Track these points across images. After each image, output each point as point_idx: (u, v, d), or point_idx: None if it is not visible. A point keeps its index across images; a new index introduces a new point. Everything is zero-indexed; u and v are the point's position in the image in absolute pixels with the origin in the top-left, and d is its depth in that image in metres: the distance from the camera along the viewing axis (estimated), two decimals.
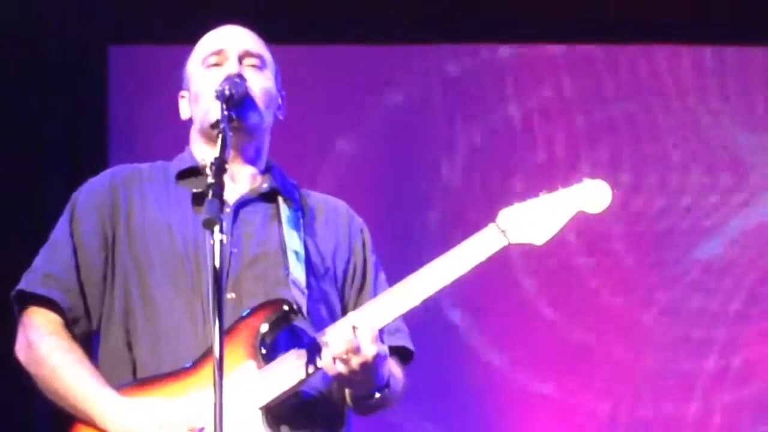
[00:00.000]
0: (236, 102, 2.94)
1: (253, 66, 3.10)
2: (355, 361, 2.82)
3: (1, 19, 5.68)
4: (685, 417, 5.95)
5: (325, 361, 2.85)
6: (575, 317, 5.94)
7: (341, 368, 2.84)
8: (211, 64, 3.10)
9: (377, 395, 2.94)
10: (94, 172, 3.20)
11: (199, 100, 3.08)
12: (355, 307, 3.05)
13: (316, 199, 3.23)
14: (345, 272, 3.16)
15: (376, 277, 3.20)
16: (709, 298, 5.98)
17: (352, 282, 3.16)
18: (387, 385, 2.96)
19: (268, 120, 3.14)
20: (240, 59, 3.09)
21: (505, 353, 5.95)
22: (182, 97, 3.20)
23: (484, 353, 5.93)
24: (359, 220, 3.24)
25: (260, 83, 3.09)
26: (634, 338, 5.90)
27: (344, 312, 3.06)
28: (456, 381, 5.93)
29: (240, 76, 3.03)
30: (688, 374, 5.96)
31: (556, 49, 6.29)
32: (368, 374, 2.87)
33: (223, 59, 3.09)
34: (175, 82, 3.31)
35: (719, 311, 5.94)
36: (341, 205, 3.25)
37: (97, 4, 5.92)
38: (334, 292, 3.12)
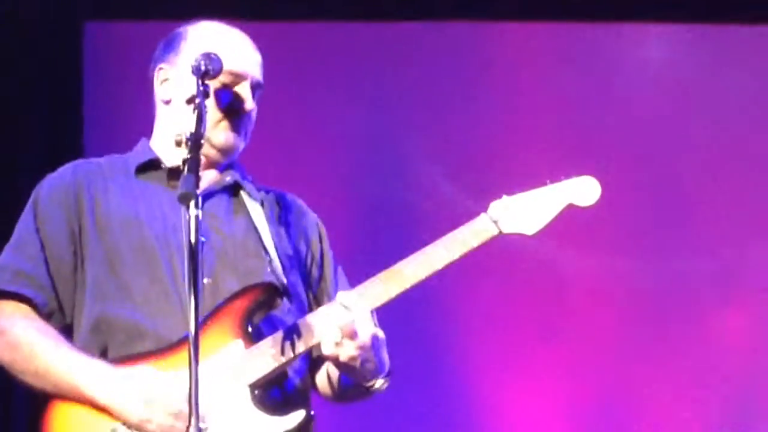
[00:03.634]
0: (235, 125, 3.04)
1: (255, 95, 3.15)
2: (353, 346, 2.89)
3: None
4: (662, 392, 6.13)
5: (324, 348, 2.89)
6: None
7: (342, 355, 2.89)
8: (224, 82, 3.07)
9: (380, 382, 3.02)
10: (71, 153, 3.21)
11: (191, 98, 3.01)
12: (321, 296, 3.17)
13: (273, 193, 3.32)
14: (304, 262, 3.24)
15: (335, 268, 3.30)
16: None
17: (311, 271, 3.24)
18: (390, 372, 3.06)
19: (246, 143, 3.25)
20: (253, 88, 3.12)
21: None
22: (161, 70, 3.18)
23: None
24: (314, 215, 3.36)
25: (255, 114, 3.18)
26: None
27: (310, 302, 3.16)
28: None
29: (249, 117, 3.11)
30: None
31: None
32: (367, 358, 2.94)
33: (239, 81, 3.08)
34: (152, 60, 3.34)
35: None
36: (297, 199, 3.36)
37: None
38: (301, 280, 3.19)
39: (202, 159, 2.89)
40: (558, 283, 6.17)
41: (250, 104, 3.13)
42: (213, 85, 2.97)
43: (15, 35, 5.76)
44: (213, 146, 3.09)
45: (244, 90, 3.12)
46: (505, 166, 5.72)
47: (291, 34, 6.19)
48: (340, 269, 3.32)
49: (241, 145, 3.17)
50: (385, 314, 3.15)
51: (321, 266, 3.29)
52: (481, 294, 6.10)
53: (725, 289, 6.25)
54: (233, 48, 3.16)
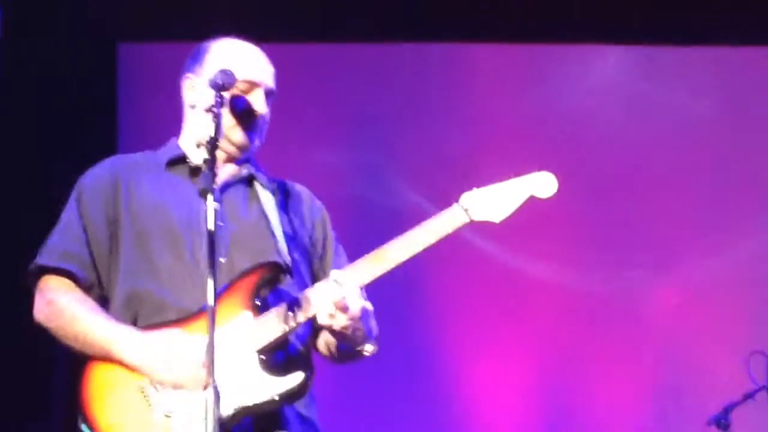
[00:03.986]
0: (250, 126, 3.36)
1: (269, 102, 3.42)
2: (345, 316, 3.11)
3: (15, 20, 5.94)
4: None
5: (320, 315, 3.13)
6: None
7: (337, 324, 3.12)
8: (241, 89, 3.34)
9: (369, 348, 3.30)
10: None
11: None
12: (321, 273, 3.38)
13: (285, 184, 3.52)
14: (310, 243, 3.46)
15: (336, 248, 3.50)
16: None
17: (314, 251, 3.47)
18: (377, 337, 3.28)
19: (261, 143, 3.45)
20: (267, 95, 3.40)
21: None
22: (187, 79, 3.44)
23: None
24: (318, 202, 3.56)
25: (268, 118, 3.43)
26: None
27: (312, 278, 3.37)
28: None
29: (264, 120, 3.40)
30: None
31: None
32: (357, 327, 3.17)
33: (253, 88, 3.37)
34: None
35: None
36: (304, 189, 3.57)
37: (108, 4, 6.14)
38: (304, 260, 3.41)
39: (223, 155, 3.23)
40: (521, 280, 6.63)
41: (262, 109, 3.34)
42: (232, 92, 3.20)
43: (56, 56, 6.07)
44: (231, 144, 3.31)
45: (257, 96, 3.34)
46: (467, 175, 6.08)
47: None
48: (341, 248, 3.50)
49: (256, 143, 3.38)
50: (373, 296, 3.32)
51: (323, 247, 3.48)
52: (457, 283, 6.59)
53: (659, 283, 6.68)
54: (248, 60, 3.38)
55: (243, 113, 3.32)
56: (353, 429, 6.20)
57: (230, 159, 3.40)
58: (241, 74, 3.28)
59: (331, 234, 3.52)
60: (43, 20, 6.08)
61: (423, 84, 6.79)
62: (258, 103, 3.35)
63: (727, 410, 5.45)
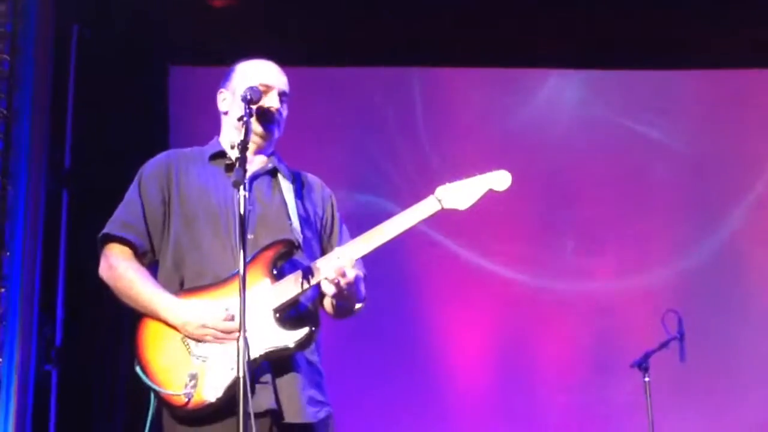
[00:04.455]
0: (268, 120, 3.34)
1: (284, 101, 3.43)
2: (344, 282, 3.12)
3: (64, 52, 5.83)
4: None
5: (318, 281, 3.14)
6: None
7: (333, 288, 3.14)
8: (258, 90, 3.28)
9: (358, 305, 3.31)
10: None
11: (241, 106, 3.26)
12: (329, 247, 3.37)
13: (301, 175, 3.52)
14: (321, 223, 3.45)
15: (341, 228, 3.49)
16: None
17: (324, 230, 3.46)
18: (365, 298, 3.29)
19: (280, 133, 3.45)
20: (280, 95, 3.41)
21: None
22: (221, 93, 3.46)
23: None
24: (328, 189, 3.54)
25: (284, 113, 3.43)
26: None
27: (321, 251, 3.36)
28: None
29: (279, 111, 3.39)
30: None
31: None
32: (352, 291, 3.18)
33: (268, 90, 3.37)
34: None
35: None
36: (317, 179, 3.56)
37: (159, 29, 6.06)
38: (315, 237, 3.41)
39: (252, 146, 3.23)
40: (482, 272, 6.64)
41: (275, 104, 3.36)
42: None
43: (110, 78, 5.95)
44: (256, 135, 3.33)
45: (272, 96, 3.37)
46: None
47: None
48: (344, 227, 3.49)
49: (275, 134, 3.39)
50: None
51: (331, 226, 3.47)
52: (433, 275, 6.61)
53: (594, 264, 6.68)
54: (264, 70, 3.42)
55: (261, 111, 3.34)
56: (352, 375, 6.19)
57: (257, 149, 3.40)
58: (259, 80, 3.35)
59: (337, 216, 3.51)
60: (109, 44, 6.02)
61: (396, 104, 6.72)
62: (272, 100, 3.38)
63: (647, 356, 5.47)
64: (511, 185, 3.28)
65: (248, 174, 3.22)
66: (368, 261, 3.39)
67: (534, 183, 6.48)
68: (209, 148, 3.46)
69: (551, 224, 6.67)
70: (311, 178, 3.55)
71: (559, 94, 6.85)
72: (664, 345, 5.49)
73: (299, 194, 3.42)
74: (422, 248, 6.45)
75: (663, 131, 6.78)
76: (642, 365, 5.43)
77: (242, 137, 3.06)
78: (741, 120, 6.80)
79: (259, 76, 3.40)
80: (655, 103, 6.82)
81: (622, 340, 6.39)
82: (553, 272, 6.62)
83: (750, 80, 6.81)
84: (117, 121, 5.95)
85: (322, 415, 3.22)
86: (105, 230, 3.33)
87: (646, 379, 5.38)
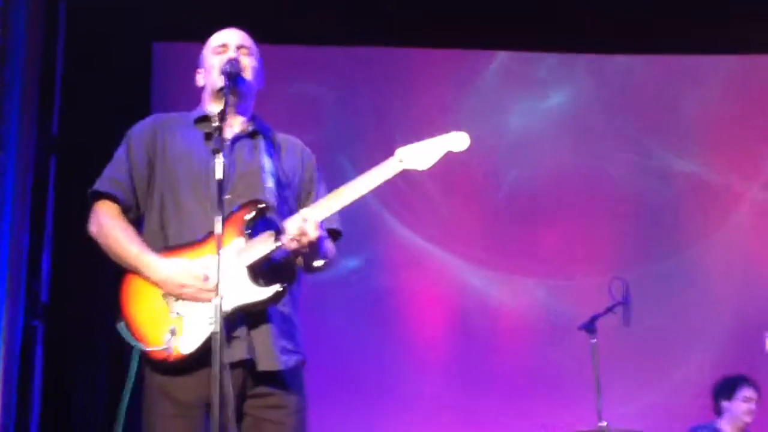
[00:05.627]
0: (234, 75, 3.26)
1: (245, 54, 3.41)
2: (304, 240, 3.13)
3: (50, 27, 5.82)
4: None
5: (286, 240, 3.15)
6: None
7: (296, 245, 3.15)
8: (218, 51, 3.41)
9: (319, 262, 3.28)
10: None
11: (210, 73, 3.41)
12: (305, 206, 3.31)
13: (282, 137, 3.50)
14: (300, 183, 3.42)
15: (319, 187, 3.45)
16: None
17: (303, 189, 3.43)
18: (326, 256, 3.29)
19: (254, 88, 3.44)
20: (237, 49, 3.41)
21: None
22: (199, 72, 3.49)
23: None
24: (309, 150, 3.50)
25: (249, 64, 3.40)
26: None
27: (298, 209, 3.29)
28: None
29: (236, 59, 3.35)
30: None
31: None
32: (313, 249, 3.18)
33: (226, 49, 3.40)
34: None
35: None
36: (298, 141, 3.53)
37: (143, 7, 6.03)
38: (293, 197, 3.39)
39: (229, 108, 3.21)
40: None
41: (232, 55, 3.36)
42: (213, 55, 3.36)
43: (91, 54, 5.99)
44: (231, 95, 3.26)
45: (230, 52, 3.39)
46: None
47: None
48: (323, 187, 3.43)
49: (244, 86, 3.34)
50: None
51: (310, 187, 3.45)
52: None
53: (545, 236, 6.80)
54: (219, 34, 3.44)
55: (228, 75, 3.31)
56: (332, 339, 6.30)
57: (235, 106, 3.38)
58: (217, 44, 3.40)
59: (316, 176, 3.48)
60: (95, 22, 6.03)
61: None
62: (229, 55, 3.39)
63: (593, 319, 5.56)
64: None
65: (230, 136, 3.29)
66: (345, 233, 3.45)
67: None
68: (194, 113, 3.46)
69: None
70: (293, 140, 3.51)
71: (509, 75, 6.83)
72: (609, 309, 5.58)
73: (279, 156, 3.41)
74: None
75: (622, 117, 6.85)
76: (589, 328, 5.53)
77: (221, 107, 3.12)
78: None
79: (217, 41, 3.43)
80: (621, 88, 6.87)
81: (571, 305, 6.50)
82: (502, 248, 6.72)
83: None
84: (103, 93, 6.00)
85: (292, 363, 3.24)
86: (94, 187, 3.35)
87: (593, 341, 5.48)
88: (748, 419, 5.84)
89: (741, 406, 5.84)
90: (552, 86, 6.86)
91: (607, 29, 6.43)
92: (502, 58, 6.88)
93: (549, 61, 6.91)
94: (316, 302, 5.29)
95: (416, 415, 6.39)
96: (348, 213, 3.27)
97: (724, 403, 5.87)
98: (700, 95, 6.86)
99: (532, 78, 6.88)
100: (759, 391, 5.90)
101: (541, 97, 6.86)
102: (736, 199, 6.85)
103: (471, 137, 3.21)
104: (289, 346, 3.25)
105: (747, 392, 5.86)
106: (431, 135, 3.21)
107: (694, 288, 6.74)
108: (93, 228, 3.33)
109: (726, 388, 5.89)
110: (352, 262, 6.55)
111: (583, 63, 6.88)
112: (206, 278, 3.12)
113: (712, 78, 6.89)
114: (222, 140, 3.01)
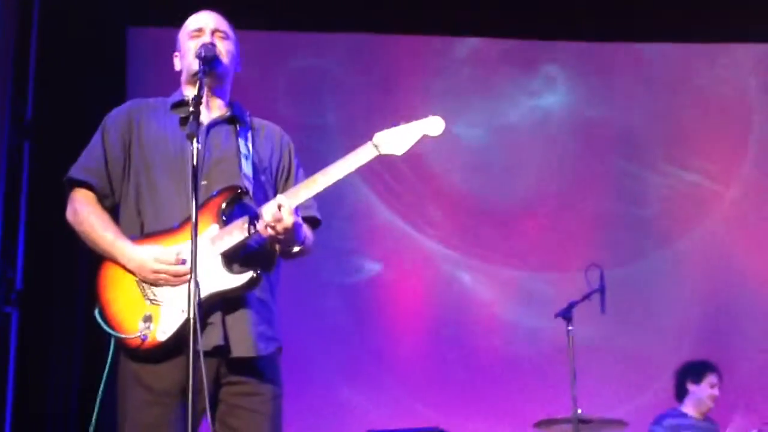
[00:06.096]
0: (209, 59, 3.22)
1: (221, 37, 3.37)
2: (280, 227, 3.08)
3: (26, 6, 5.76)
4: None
5: (261, 227, 3.10)
6: None
7: (271, 231, 3.10)
8: (193, 35, 3.36)
9: (296, 249, 3.23)
10: None
11: (186, 58, 3.36)
12: (283, 192, 3.27)
13: (260, 122, 3.46)
14: (277, 169, 3.38)
15: (297, 173, 3.42)
16: None
17: (280, 175, 3.40)
18: (303, 242, 3.24)
19: (231, 71, 3.40)
20: (212, 33, 3.36)
21: None
22: (176, 56, 3.44)
23: None
24: (287, 137, 3.46)
25: (225, 47, 3.36)
26: None
27: (275, 195, 3.26)
28: None
29: (212, 43, 3.31)
30: None
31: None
32: (289, 235, 3.13)
33: (201, 33, 3.36)
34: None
35: None
36: (276, 127, 3.49)
37: None
38: (270, 183, 3.35)
39: (205, 92, 3.16)
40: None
41: (207, 40, 3.31)
42: (189, 39, 3.32)
43: (64, 39, 5.91)
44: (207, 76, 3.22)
45: (205, 36, 3.34)
46: None
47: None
48: (301, 172, 3.40)
49: (220, 69, 3.31)
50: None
51: (288, 171, 3.41)
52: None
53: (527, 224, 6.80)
54: (195, 17, 3.40)
55: (204, 59, 3.26)
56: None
57: (211, 89, 3.34)
58: (192, 28, 3.36)
59: (294, 162, 3.45)
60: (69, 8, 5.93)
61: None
62: (204, 39, 3.35)
63: (570, 306, 5.58)
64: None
65: (207, 121, 3.25)
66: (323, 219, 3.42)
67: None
68: (172, 98, 3.42)
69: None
70: (271, 126, 3.48)
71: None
72: (586, 296, 5.60)
73: (256, 142, 3.37)
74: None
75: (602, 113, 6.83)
76: (566, 315, 5.55)
77: (197, 92, 3.06)
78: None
79: (192, 24, 3.39)
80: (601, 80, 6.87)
81: (549, 293, 6.52)
82: (481, 237, 6.70)
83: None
84: (78, 78, 5.93)
85: (270, 349, 3.21)
86: (69, 174, 3.32)
87: (570, 328, 5.50)
88: (711, 404, 5.97)
89: (707, 390, 5.96)
90: (535, 77, 6.82)
91: (589, 16, 6.47)
92: (480, 44, 6.85)
93: (530, 50, 6.86)
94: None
95: (388, 406, 6.43)
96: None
97: (691, 386, 5.95)
98: (678, 94, 6.89)
99: (516, 67, 6.84)
100: (722, 379, 6.01)
101: (525, 87, 6.85)
102: (714, 197, 6.90)
103: (450, 126, 3.19)
104: (268, 333, 3.22)
105: (713, 378, 5.99)
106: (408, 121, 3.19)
107: (673, 282, 6.83)
108: (70, 217, 3.29)
109: (694, 372, 6.00)
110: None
111: (566, 51, 6.86)
112: (181, 263, 3.09)
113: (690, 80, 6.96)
114: (197, 125, 2.96)
